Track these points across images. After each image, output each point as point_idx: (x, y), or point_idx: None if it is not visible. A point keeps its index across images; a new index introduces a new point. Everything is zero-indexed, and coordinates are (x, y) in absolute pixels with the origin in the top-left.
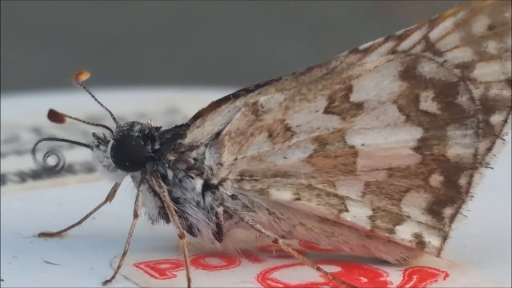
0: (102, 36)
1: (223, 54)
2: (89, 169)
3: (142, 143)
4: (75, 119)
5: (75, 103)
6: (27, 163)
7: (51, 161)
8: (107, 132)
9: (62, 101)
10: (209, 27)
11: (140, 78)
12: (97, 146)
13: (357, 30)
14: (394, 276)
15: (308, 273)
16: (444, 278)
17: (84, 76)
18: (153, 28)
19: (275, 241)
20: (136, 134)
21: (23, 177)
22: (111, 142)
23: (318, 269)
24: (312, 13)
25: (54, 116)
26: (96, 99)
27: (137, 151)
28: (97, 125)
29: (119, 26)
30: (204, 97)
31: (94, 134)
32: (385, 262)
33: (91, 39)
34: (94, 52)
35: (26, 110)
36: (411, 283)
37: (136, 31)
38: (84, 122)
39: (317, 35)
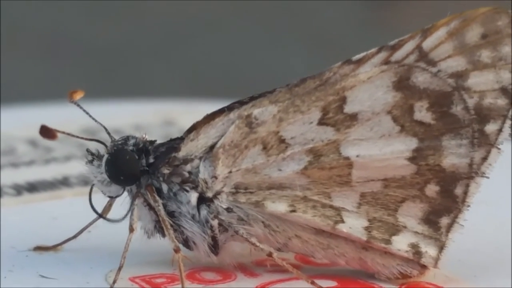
0: (99, 48)
1: (220, 66)
2: (85, 182)
3: (137, 157)
4: (68, 134)
5: (72, 115)
6: (23, 176)
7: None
8: (101, 147)
9: (59, 113)
10: (207, 39)
11: (136, 90)
12: (91, 162)
13: (355, 41)
14: None
15: None
16: None
17: (79, 95)
18: (150, 40)
19: (270, 254)
20: (131, 148)
21: (18, 190)
22: (106, 156)
23: (313, 283)
24: (310, 25)
25: (46, 132)
26: (90, 115)
27: (132, 165)
28: (91, 139)
29: (116, 38)
30: (201, 109)
31: (88, 150)
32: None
33: (88, 52)
34: (91, 64)
35: (22, 122)
36: None
37: (133, 43)
38: (77, 137)
39: (316, 47)
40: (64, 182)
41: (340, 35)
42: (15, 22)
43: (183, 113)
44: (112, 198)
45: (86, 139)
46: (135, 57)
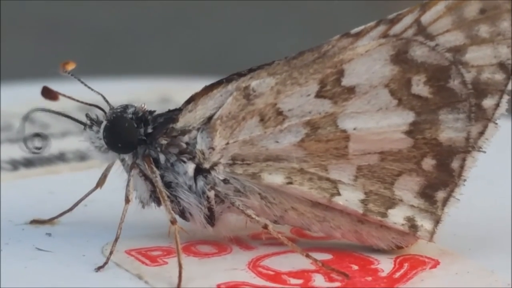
0: (96, 26)
1: (216, 44)
2: (81, 157)
3: (135, 125)
4: (69, 97)
5: (68, 92)
6: (19, 151)
7: (38, 143)
8: (100, 114)
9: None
10: (203, 17)
11: (133, 67)
12: (90, 127)
13: (353, 22)
14: (385, 263)
15: (299, 261)
16: (435, 266)
17: (70, 66)
18: (147, 18)
19: (265, 227)
20: (130, 116)
21: (15, 165)
22: (104, 123)
23: (308, 256)
24: (307, 4)
25: (48, 93)
26: (86, 85)
27: (130, 133)
28: (90, 105)
29: (113, 16)
30: (197, 86)
31: (87, 115)
32: (376, 250)
33: (85, 30)
34: (88, 42)
35: (19, 99)
36: (401, 271)
37: (130, 21)
38: (77, 101)
39: (312, 27)
40: (60, 158)
41: (339, 17)
42: (13, 3)
43: (179, 90)
44: (107, 170)
45: (86, 104)
46: (131, 35)
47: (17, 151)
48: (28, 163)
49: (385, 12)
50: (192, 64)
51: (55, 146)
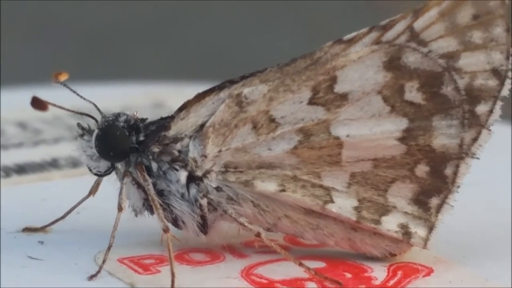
0: (88, 31)
1: (210, 49)
2: (74, 164)
3: (127, 133)
4: (59, 107)
5: (60, 98)
6: (11, 158)
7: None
8: (92, 123)
9: (47, 96)
10: (196, 21)
11: (126, 72)
12: (81, 136)
13: (352, 24)
14: (378, 271)
15: (292, 269)
16: (429, 274)
17: (63, 77)
18: (140, 22)
19: (258, 235)
20: (121, 124)
21: (7, 171)
22: (96, 131)
23: (301, 264)
24: (301, 7)
25: (37, 103)
26: (78, 94)
27: (122, 141)
28: (82, 114)
29: (105, 20)
30: (190, 91)
31: (78, 124)
32: (370, 258)
33: (77, 34)
34: (80, 46)
35: (11, 105)
36: (395, 279)
37: (122, 25)
38: (68, 110)
39: (307, 31)
40: (53, 164)
41: (334, 20)
42: (1, 5)
43: (172, 95)
44: (100, 177)
45: (78, 113)
46: (124, 40)
47: (10, 158)
48: (20, 169)
49: (385, 14)
50: (185, 69)
51: (47, 153)
